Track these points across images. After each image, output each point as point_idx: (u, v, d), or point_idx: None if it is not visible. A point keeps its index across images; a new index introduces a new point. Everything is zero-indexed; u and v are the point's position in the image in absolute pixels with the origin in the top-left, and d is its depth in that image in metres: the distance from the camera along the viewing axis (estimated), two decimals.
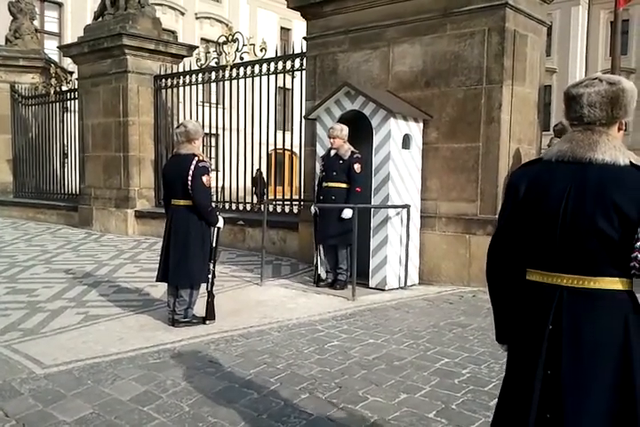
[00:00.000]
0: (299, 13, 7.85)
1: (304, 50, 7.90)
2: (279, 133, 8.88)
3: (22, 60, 13.52)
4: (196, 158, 4.78)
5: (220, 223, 4.94)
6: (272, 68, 8.62)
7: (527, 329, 1.91)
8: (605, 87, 1.83)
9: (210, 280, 4.97)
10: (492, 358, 4.10)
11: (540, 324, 1.85)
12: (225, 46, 9.10)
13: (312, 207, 6.48)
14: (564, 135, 1.95)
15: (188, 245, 4.85)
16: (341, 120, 6.44)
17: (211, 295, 4.99)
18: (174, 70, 10.38)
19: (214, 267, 5.00)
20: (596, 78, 1.87)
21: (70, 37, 19.59)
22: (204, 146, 7.14)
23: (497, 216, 6.68)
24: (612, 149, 1.80)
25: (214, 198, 8.61)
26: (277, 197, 10.25)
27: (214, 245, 4.94)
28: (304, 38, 7.82)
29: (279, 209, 8.74)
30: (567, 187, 1.80)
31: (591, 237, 1.76)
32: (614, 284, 1.78)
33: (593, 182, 1.77)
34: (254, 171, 9.92)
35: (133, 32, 10.13)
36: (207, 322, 4.95)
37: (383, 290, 6.23)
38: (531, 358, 1.88)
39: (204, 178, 4.75)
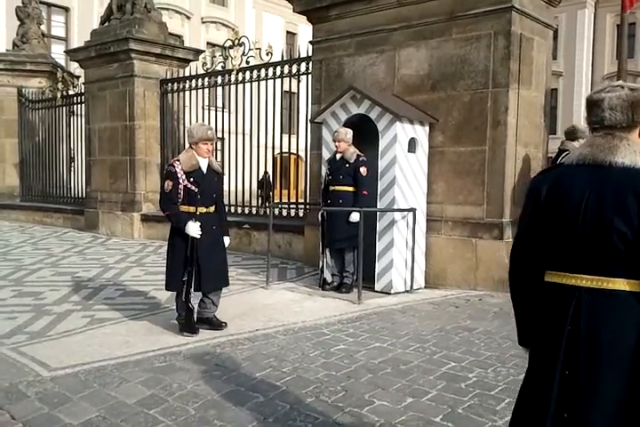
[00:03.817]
0: (304, 17, 7.87)
1: (310, 54, 7.91)
2: (285, 137, 8.89)
3: (29, 65, 13.59)
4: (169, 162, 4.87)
5: (190, 231, 4.63)
6: (278, 72, 8.64)
7: (546, 330, 1.94)
8: (627, 92, 1.90)
9: (184, 290, 4.70)
10: (498, 361, 4.08)
11: (558, 325, 1.89)
12: (231, 50, 9.13)
13: (319, 213, 6.48)
14: (585, 140, 2.01)
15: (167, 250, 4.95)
16: (347, 124, 6.44)
17: (186, 307, 4.72)
18: (180, 74, 10.42)
19: (187, 277, 4.67)
20: (617, 85, 1.94)
21: (77, 42, 19.68)
22: None
23: (503, 220, 6.66)
24: (632, 154, 1.85)
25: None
26: (283, 200, 10.24)
27: (188, 253, 4.67)
28: (310, 42, 7.83)
29: (285, 213, 8.74)
30: (587, 189, 1.85)
31: (611, 239, 1.79)
32: (633, 285, 1.81)
33: (613, 184, 1.82)
34: (263, 174, 9.92)
35: (140, 36, 10.18)
36: (185, 334, 4.73)
37: (389, 293, 6.21)
38: (550, 358, 1.91)
39: (166, 182, 4.74)
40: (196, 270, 4.71)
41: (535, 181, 2.03)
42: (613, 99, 1.89)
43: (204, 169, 4.80)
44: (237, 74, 9.19)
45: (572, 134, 7.07)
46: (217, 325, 4.89)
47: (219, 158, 10.53)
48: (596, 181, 1.84)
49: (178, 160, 4.78)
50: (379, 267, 6.29)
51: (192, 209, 4.72)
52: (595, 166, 1.87)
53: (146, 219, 10.39)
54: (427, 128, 6.59)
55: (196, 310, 4.87)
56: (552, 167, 2.05)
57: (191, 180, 4.69)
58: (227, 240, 5.03)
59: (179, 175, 4.67)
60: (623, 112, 1.88)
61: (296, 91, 8.64)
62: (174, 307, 5.06)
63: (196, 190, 4.70)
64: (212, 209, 4.84)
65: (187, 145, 4.97)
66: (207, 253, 4.74)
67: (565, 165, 1.96)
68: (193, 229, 4.64)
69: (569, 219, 1.86)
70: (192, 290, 4.72)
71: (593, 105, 1.94)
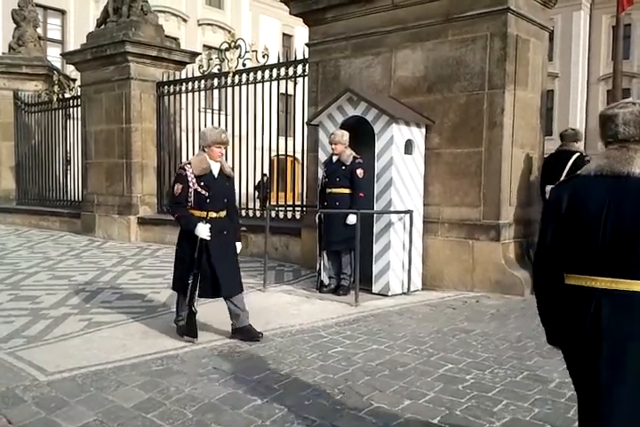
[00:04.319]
0: (301, 20, 7.88)
1: (306, 56, 7.92)
2: (281, 139, 8.88)
3: (25, 68, 13.57)
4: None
5: (200, 233, 4.56)
6: (274, 75, 8.64)
7: (568, 331, 2.03)
8: (638, 108, 2.03)
9: (189, 293, 4.61)
10: (495, 363, 4.09)
11: (579, 326, 1.98)
12: (227, 53, 9.13)
13: (316, 215, 6.48)
14: (601, 152, 2.12)
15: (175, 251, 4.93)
16: (343, 126, 6.44)
17: (189, 310, 4.61)
18: (177, 77, 10.41)
19: (193, 280, 4.59)
20: (629, 102, 2.07)
21: (73, 45, 19.70)
22: None
23: (500, 221, 6.64)
24: None
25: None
26: (280, 202, 10.24)
27: (195, 256, 4.59)
28: (306, 44, 7.84)
29: (282, 215, 8.73)
30: (607, 199, 1.95)
31: (632, 246, 1.89)
32: None
33: (632, 194, 1.93)
34: (261, 176, 9.91)
35: (136, 39, 10.17)
36: (185, 338, 4.65)
37: (386, 296, 6.21)
38: (572, 359, 2.04)
39: (175, 186, 4.70)
40: (209, 274, 4.62)
41: (555, 192, 2.13)
42: (627, 114, 2.02)
43: (216, 173, 4.72)
44: (234, 76, 9.18)
45: (573, 137, 7.11)
46: (250, 337, 4.67)
47: None
48: (616, 190, 1.94)
49: (189, 163, 4.73)
50: (376, 269, 6.29)
51: (202, 214, 4.64)
52: (612, 177, 1.97)
53: (142, 222, 10.37)
54: (423, 130, 6.60)
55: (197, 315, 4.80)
56: (571, 177, 2.16)
57: (202, 184, 4.63)
58: (238, 246, 4.94)
59: (189, 179, 4.62)
60: (636, 126, 2.01)
61: (292, 93, 8.64)
62: (172, 310, 5.06)
63: (206, 195, 4.63)
64: (222, 214, 4.75)
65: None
66: (218, 255, 4.64)
67: (583, 176, 2.06)
68: (202, 230, 4.57)
69: (590, 226, 1.96)
70: (197, 293, 4.65)
71: (607, 120, 2.06)
